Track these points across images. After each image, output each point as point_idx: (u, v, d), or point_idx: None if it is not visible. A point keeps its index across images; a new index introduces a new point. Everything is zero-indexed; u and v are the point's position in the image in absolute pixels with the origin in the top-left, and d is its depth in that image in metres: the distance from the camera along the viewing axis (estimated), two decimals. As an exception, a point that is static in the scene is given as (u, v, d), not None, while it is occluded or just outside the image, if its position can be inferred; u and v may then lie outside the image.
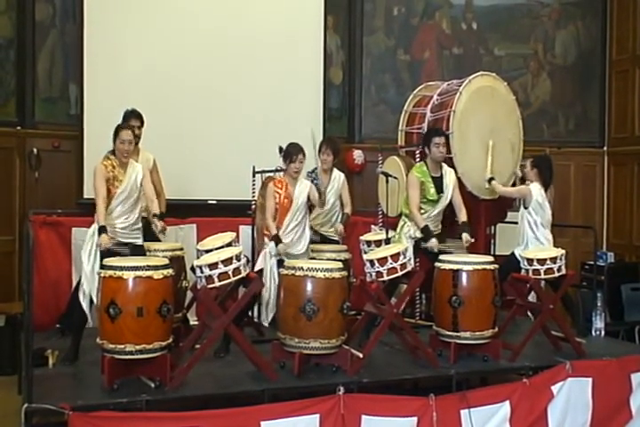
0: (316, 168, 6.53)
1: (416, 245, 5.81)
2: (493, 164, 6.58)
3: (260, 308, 5.53)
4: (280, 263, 5.28)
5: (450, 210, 6.05)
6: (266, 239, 5.58)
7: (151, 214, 5.21)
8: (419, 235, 5.85)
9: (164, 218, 5.47)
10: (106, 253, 4.85)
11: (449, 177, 5.98)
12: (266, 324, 5.48)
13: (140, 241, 5.21)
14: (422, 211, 5.88)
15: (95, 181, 5.03)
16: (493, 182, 6.46)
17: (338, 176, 6.59)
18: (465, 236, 5.80)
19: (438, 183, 5.92)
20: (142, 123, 5.94)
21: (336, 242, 6.46)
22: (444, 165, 6.04)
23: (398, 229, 5.99)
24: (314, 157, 6.08)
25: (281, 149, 5.68)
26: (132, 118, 5.82)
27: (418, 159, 6.59)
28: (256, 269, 5.41)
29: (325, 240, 6.45)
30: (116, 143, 5.11)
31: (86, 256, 4.96)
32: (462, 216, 5.94)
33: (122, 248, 5.06)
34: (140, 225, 5.24)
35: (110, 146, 5.17)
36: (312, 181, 6.40)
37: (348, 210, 6.58)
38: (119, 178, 5.07)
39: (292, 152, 5.59)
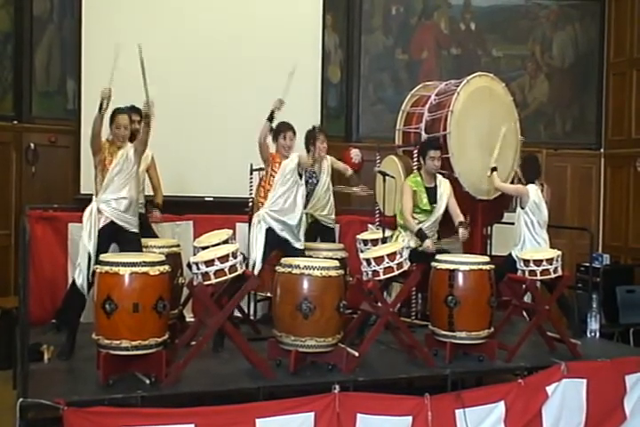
0: None
1: (412, 254, 5.79)
2: (500, 154, 6.55)
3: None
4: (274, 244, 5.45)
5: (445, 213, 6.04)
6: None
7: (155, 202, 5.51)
8: (413, 244, 5.84)
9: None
10: (103, 234, 4.93)
11: (443, 187, 6.00)
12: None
13: (135, 229, 5.18)
14: (417, 221, 5.88)
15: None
16: (494, 174, 6.44)
17: (327, 159, 6.69)
18: (461, 231, 5.80)
19: (432, 194, 5.94)
20: (141, 117, 5.93)
21: (331, 229, 6.57)
22: (439, 176, 6.07)
23: (393, 240, 5.97)
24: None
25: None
26: (132, 113, 5.83)
27: (416, 159, 6.59)
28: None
29: (321, 226, 6.51)
30: (112, 128, 5.17)
31: (87, 235, 4.96)
32: (459, 219, 5.94)
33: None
34: (136, 213, 5.25)
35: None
36: (305, 171, 6.40)
37: (350, 172, 6.86)
38: (115, 155, 5.15)
39: (281, 129, 5.69)
